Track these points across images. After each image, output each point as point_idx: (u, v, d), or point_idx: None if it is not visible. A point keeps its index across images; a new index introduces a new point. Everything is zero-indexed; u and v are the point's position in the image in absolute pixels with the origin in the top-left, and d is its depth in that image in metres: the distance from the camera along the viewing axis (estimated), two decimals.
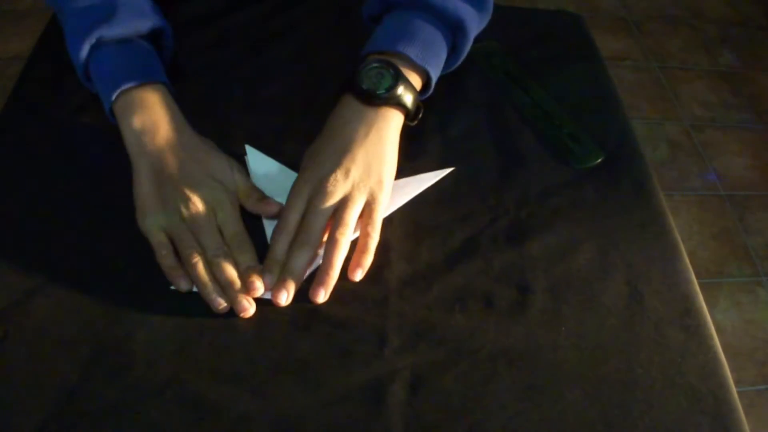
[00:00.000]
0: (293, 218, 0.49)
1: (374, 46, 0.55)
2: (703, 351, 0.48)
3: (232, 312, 0.47)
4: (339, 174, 0.50)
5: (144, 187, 0.50)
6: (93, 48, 0.52)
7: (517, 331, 0.48)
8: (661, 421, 0.44)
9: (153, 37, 0.56)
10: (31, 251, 0.49)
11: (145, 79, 0.52)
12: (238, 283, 0.47)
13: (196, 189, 0.49)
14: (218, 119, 0.53)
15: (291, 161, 0.56)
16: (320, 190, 0.49)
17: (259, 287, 0.47)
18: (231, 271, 0.47)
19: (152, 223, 0.49)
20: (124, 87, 0.51)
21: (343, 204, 0.49)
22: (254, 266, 0.48)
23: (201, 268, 0.47)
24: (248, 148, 0.56)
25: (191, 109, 0.54)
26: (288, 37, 0.68)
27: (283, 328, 0.46)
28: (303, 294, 0.48)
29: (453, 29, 0.57)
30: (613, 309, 0.50)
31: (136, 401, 0.42)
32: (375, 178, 0.51)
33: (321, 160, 0.51)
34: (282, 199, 0.52)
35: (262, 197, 0.52)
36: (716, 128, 1.71)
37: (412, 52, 0.54)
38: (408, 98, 0.53)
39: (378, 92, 0.52)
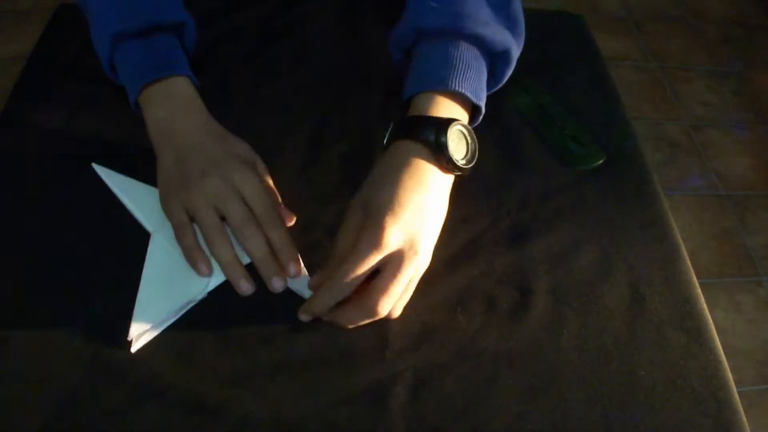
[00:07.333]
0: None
1: (426, 85, 0.52)
2: (705, 353, 0.48)
3: (233, 313, 0.47)
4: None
5: (166, 170, 0.50)
6: (116, 41, 0.53)
7: (518, 333, 0.48)
8: (662, 423, 0.44)
9: (176, 30, 0.56)
10: (32, 252, 0.48)
11: (169, 72, 0.53)
12: (270, 258, 0.48)
13: (219, 167, 0.49)
14: (220, 118, 0.53)
15: (292, 160, 0.57)
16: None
17: (293, 271, 0.48)
18: (262, 245, 0.48)
19: (174, 203, 0.49)
20: (148, 80, 0.52)
21: None
22: (288, 244, 0.48)
23: (225, 245, 0.47)
24: (96, 167, 0.54)
25: None
26: (290, 37, 0.68)
27: (284, 330, 0.46)
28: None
29: (494, 56, 0.56)
30: (615, 311, 0.50)
31: (137, 403, 0.41)
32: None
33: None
34: (145, 215, 0.51)
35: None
36: (716, 128, 1.71)
37: (468, 89, 0.51)
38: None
39: (459, 163, 0.48)
